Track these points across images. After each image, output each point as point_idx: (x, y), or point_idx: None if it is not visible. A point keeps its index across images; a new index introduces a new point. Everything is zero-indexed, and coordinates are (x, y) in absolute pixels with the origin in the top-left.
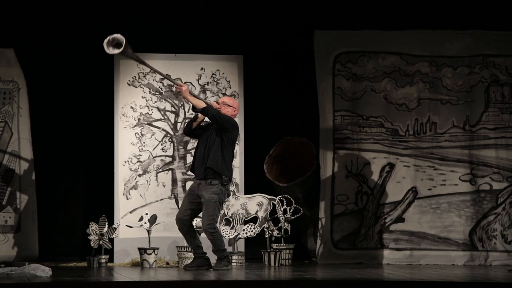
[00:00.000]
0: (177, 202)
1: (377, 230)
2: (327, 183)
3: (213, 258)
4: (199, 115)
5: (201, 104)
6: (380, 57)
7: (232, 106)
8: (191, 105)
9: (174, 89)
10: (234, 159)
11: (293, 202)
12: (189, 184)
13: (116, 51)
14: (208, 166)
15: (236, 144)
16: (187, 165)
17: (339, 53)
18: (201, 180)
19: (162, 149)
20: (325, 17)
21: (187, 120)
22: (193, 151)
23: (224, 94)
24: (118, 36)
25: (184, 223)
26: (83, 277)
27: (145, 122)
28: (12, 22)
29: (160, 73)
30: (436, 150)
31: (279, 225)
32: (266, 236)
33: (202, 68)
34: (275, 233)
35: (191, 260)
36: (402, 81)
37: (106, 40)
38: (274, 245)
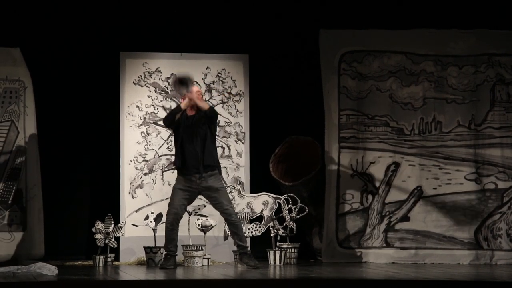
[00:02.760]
0: None
1: (382, 229)
2: (333, 182)
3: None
4: (182, 106)
5: (206, 105)
6: (385, 56)
7: (202, 98)
8: (190, 107)
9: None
10: (239, 158)
11: (299, 201)
12: None
13: (183, 90)
14: (213, 162)
15: (241, 142)
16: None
17: (345, 52)
18: (200, 174)
19: (168, 148)
20: (330, 17)
21: (167, 111)
22: None
23: (230, 94)
24: (183, 75)
25: (177, 219)
26: (89, 275)
27: (151, 121)
28: (18, 22)
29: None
30: (441, 149)
31: (284, 224)
32: (271, 235)
33: (207, 67)
34: (281, 232)
35: (196, 258)
36: (408, 80)
37: (173, 81)
38: (280, 244)
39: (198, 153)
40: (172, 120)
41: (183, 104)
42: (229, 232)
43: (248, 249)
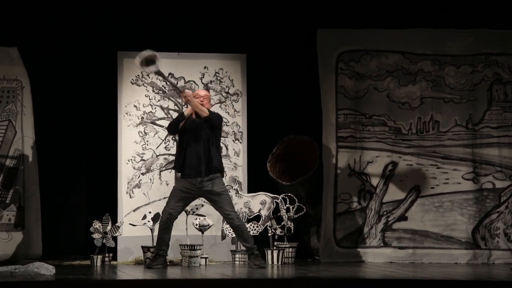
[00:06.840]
0: None
1: (380, 228)
2: (330, 182)
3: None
4: (186, 113)
5: (205, 112)
6: (383, 55)
7: (210, 101)
8: (194, 111)
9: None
10: (237, 157)
11: (296, 200)
12: None
13: (152, 68)
14: (216, 166)
15: (238, 142)
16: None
17: (342, 51)
18: (203, 178)
19: (165, 147)
20: (328, 16)
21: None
22: None
23: (227, 93)
24: (148, 53)
25: (171, 219)
26: (87, 275)
27: (149, 121)
28: (16, 21)
29: (170, 82)
30: (439, 149)
31: (282, 223)
32: (269, 234)
33: (205, 67)
34: (278, 231)
35: (194, 258)
36: (405, 79)
37: (139, 60)
38: (277, 244)
39: (200, 156)
40: (176, 129)
41: (187, 111)
42: (227, 233)
43: (255, 249)
